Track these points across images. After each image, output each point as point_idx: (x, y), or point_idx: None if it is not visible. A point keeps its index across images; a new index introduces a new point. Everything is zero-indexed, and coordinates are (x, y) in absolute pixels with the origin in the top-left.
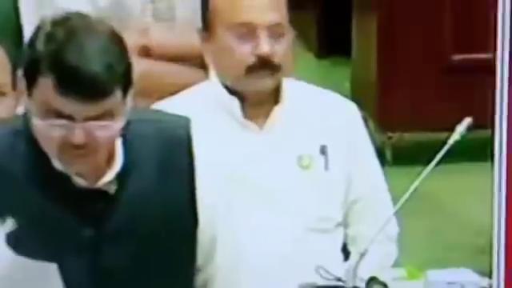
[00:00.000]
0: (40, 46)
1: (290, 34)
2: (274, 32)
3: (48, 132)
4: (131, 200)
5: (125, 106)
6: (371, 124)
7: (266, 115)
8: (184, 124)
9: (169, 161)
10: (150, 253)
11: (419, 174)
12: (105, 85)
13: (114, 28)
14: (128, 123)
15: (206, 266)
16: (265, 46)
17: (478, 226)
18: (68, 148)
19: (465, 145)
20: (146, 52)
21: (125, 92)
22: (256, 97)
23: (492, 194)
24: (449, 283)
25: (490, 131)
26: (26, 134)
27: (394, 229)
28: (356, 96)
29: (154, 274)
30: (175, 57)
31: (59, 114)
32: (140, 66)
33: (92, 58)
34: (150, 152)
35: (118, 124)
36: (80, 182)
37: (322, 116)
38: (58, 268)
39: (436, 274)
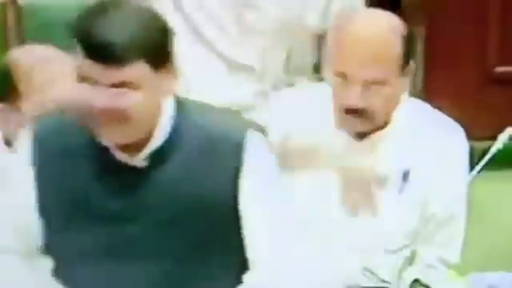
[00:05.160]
0: (76, 23)
1: (396, 83)
2: (372, 85)
3: (80, 98)
4: (164, 181)
5: (155, 80)
6: None
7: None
8: (241, 131)
9: (214, 160)
10: (170, 236)
11: None
12: (122, 53)
13: (152, 11)
14: (189, 112)
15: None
16: (351, 100)
17: None
18: (99, 115)
19: (507, 153)
20: None
21: (155, 67)
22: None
23: None
24: (490, 286)
25: None
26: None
27: (453, 255)
28: None
29: (169, 260)
30: None
31: (90, 81)
32: None
33: (114, 28)
34: (199, 144)
35: (142, 96)
36: (119, 155)
37: (420, 138)
38: (85, 238)
39: (478, 278)
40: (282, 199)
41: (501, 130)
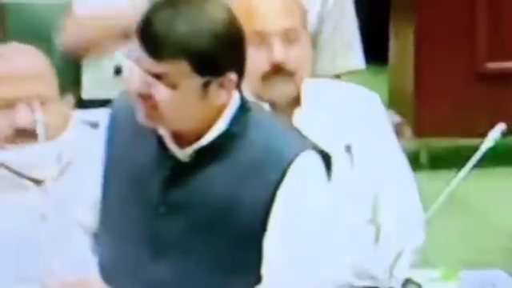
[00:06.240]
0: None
1: (306, 38)
2: (288, 37)
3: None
4: (199, 182)
5: (196, 85)
6: (408, 130)
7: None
8: (296, 150)
9: (259, 173)
10: (192, 240)
11: (454, 178)
12: (162, 47)
13: (229, 18)
14: (251, 119)
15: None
16: (278, 54)
17: (510, 229)
18: (134, 96)
19: (498, 150)
20: None
21: (200, 73)
22: (278, 104)
23: None
24: (482, 284)
25: None
26: None
27: (420, 239)
28: (394, 102)
29: (200, 262)
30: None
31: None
32: None
33: (166, 21)
34: (249, 153)
35: (174, 94)
36: (170, 145)
37: (345, 113)
38: (128, 226)
39: (469, 275)
40: (310, 231)
41: (491, 127)
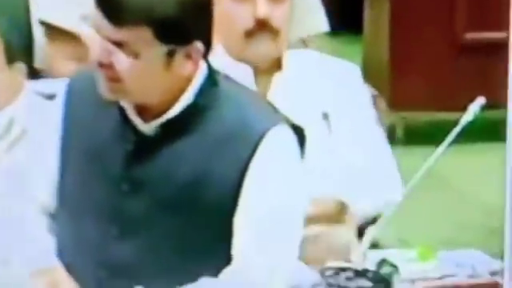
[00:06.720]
0: None
1: (289, 10)
2: None
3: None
4: (166, 157)
5: (159, 53)
6: (382, 103)
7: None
8: (268, 124)
9: (229, 147)
10: (160, 216)
11: (432, 153)
12: (123, 12)
13: None
14: (221, 92)
15: None
16: (262, 9)
17: (489, 207)
18: (99, 68)
19: (478, 125)
20: None
21: (163, 40)
22: (259, 66)
23: (504, 175)
24: (459, 264)
25: (503, 111)
26: None
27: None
28: (368, 74)
29: (165, 238)
30: None
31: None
32: None
33: None
34: (218, 127)
35: (136, 62)
36: (133, 118)
37: (325, 83)
38: (89, 204)
39: (447, 255)
40: (282, 207)
41: (471, 100)
